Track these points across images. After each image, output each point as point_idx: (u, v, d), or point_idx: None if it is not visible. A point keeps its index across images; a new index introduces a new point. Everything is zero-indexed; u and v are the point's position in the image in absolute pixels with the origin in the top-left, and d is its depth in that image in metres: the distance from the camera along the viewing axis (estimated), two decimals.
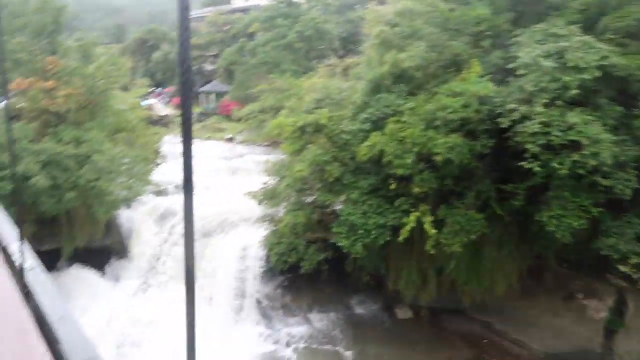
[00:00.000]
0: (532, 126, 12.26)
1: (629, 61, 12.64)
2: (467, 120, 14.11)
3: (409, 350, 16.34)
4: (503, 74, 14.96)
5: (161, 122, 37.96)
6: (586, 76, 12.10)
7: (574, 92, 12.19)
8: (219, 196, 22.16)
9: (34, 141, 19.46)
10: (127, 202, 20.26)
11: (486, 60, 15.47)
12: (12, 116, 21.29)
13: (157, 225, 20.30)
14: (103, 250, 20.03)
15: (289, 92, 24.02)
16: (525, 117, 12.65)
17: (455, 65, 16.07)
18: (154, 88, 47.60)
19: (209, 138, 36.78)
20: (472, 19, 16.12)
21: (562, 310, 15.49)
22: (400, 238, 14.43)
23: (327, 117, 16.93)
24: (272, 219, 18.28)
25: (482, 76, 14.49)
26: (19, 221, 4.12)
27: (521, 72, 13.49)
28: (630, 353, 14.41)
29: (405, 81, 16.46)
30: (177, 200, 21.69)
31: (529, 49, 13.37)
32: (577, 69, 12.33)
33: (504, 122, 13.08)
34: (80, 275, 18.69)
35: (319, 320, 17.97)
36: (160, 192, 22.44)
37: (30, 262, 3.33)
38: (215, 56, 55.40)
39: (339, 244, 15.65)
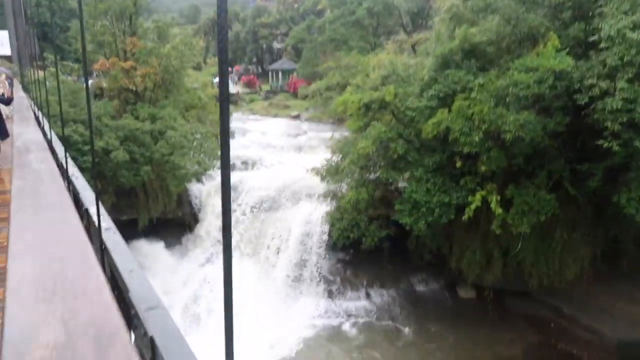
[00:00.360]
0: (614, 103, 11.50)
1: None
2: (541, 97, 13.46)
3: (470, 330, 16.16)
4: (583, 48, 14.05)
5: (230, 99, 39.23)
6: None
7: None
8: (284, 172, 22.73)
9: (114, 118, 20.90)
10: (198, 176, 21.31)
11: (565, 33, 14.53)
12: (92, 94, 22.90)
13: None
14: (175, 222, 21.28)
15: (355, 69, 23.89)
16: (606, 93, 11.88)
17: (531, 39, 15.25)
18: None
19: (276, 115, 37.53)
20: None
21: (638, 297, 14.62)
22: (465, 217, 14.18)
23: (393, 94, 16.74)
24: (335, 195, 18.53)
25: (559, 50, 13.67)
26: (96, 187, 4.60)
27: (604, 45, 12.60)
28: None
29: (476, 57, 15.86)
30: (244, 176, 22.55)
31: (614, 20, 12.41)
32: None
33: (582, 99, 12.36)
34: (153, 245, 20.02)
35: (379, 296, 18.15)
36: None
37: (106, 223, 3.73)
38: (284, 34, 56.03)
39: (402, 221, 15.63)
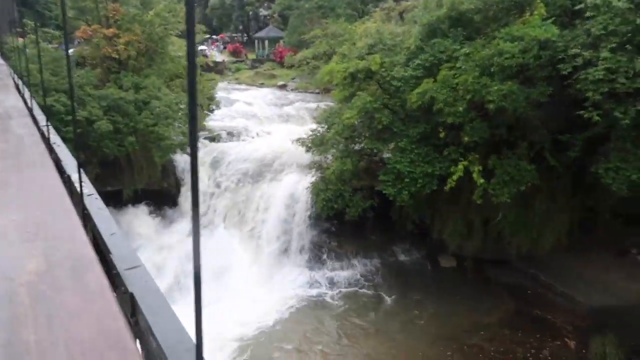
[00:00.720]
0: (596, 73, 11.53)
1: None
2: (525, 67, 13.45)
3: (451, 298, 16.53)
4: (569, 17, 13.97)
5: (216, 68, 38.61)
6: None
7: None
8: (270, 143, 22.64)
9: (97, 87, 20.49)
10: (183, 147, 21.12)
11: (552, 1, 14.43)
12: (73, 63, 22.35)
13: (210, 170, 21.13)
14: (160, 193, 21.19)
15: (342, 38, 23.56)
16: (589, 63, 11.89)
17: (518, 7, 15.11)
18: (209, 36, 48.02)
19: (262, 85, 37.10)
20: None
21: (613, 266, 15.01)
22: (447, 187, 14.32)
23: (379, 63, 16.60)
24: (320, 166, 18.56)
25: (545, 19, 13.59)
26: (77, 154, 4.66)
27: (589, 13, 12.55)
28: None
29: (463, 25, 15.73)
30: (229, 147, 22.42)
31: None
32: None
33: (566, 69, 12.38)
34: (139, 216, 19.98)
35: (363, 265, 18.43)
36: (213, 138, 23.18)
37: (88, 189, 3.84)
38: (271, 1, 54.80)
39: (385, 192, 15.75)
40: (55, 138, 5.80)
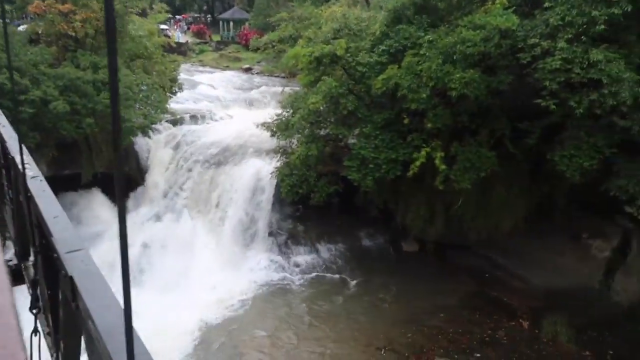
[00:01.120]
0: (553, 62, 11.85)
1: None
2: (487, 55, 13.68)
3: (413, 281, 16.93)
4: (529, 7, 14.26)
5: (179, 49, 37.61)
6: (615, 10, 11.46)
7: (601, 27, 11.62)
8: (234, 127, 22.35)
9: (53, 66, 19.63)
10: (144, 129, 20.60)
11: None
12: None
13: (173, 153, 20.72)
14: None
15: (308, 22, 23.35)
16: (546, 53, 12.21)
17: None
18: (171, 16, 46.64)
19: (227, 67, 36.45)
20: None
21: (566, 249, 15.72)
22: (410, 173, 14.52)
23: (344, 48, 16.52)
24: (285, 151, 18.46)
25: (507, 8, 13.84)
26: (19, 134, 4.47)
27: (548, 4, 12.86)
28: (627, 291, 14.73)
29: (428, 12, 15.82)
30: (193, 130, 22.01)
31: None
32: (607, 2, 11.68)
33: (525, 58, 12.67)
34: (98, 200, 19.44)
35: (327, 250, 18.61)
36: (176, 121, 22.69)
37: (32, 171, 3.70)
38: None
39: (350, 177, 15.83)
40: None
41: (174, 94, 23.84)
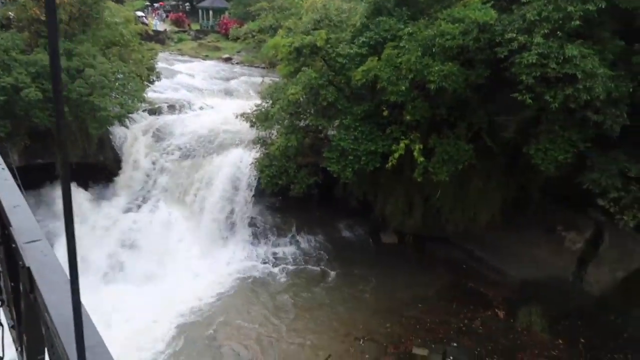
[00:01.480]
0: (530, 57, 11.99)
1: None
2: (465, 49, 13.77)
3: (391, 272, 17.08)
4: (508, 1, 14.36)
5: (157, 38, 36.90)
6: (590, 7, 11.64)
7: (576, 23, 11.78)
8: (213, 117, 22.08)
9: (25, 52, 19.05)
10: (120, 119, 20.16)
11: None
12: None
13: (150, 144, 20.38)
14: (97, 167, 20.24)
15: (288, 12, 23.14)
16: (523, 48, 12.34)
17: None
18: (149, 3, 45.68)
19: (206, 57, 35.91)
20: None
21: (541, 241, 16.04)
22: (389, 165, 14.59)
23: (325, 39, 16.44)
24: (265, 142, 18.34)
25: (485, 2, 13.92)
26: None
27: None
28: (599, 282, 15.14)
29: (408, 4, 15.81)
30: (171, 120, 21.67)
31: None
32: None
33: (502, 52, 12.77)
34: (74, 191, 19.02)
35: (307, 241, 18.63)
36: (154, 111, 22.30)
37: None
38: None
39: (329, 168, 15.83)
40: None
41: (152, 83, 23.37)
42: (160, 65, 25.14)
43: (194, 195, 18.91)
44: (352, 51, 15.74)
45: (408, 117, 14.54)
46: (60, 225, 17.94)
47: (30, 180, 18.40)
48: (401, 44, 14.53)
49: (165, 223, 18.38)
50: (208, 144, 19.81)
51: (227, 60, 35.16)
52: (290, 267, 17.80)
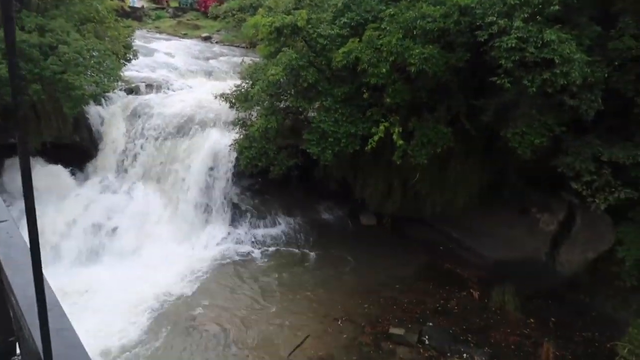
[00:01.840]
0: (509, 41, 12.05)
1: None
2: (446, 32, 13.77)
3: (370, 254, 17.29)
4: None
5: (134, 14, 35.95)
6: None
7: (555, 8, 11.88)
8: (192, 97, 21.73)
9: None
10: (96, 98, 19.71)
11: None
12: None
13: (127, 124, 20.01)
14: (72, 147, 19.82)
15: None
16: (503, 32, 12.39)
17: None
18: None
19: (185, 35, 35.16)
20: None
21: (515, 223, 16.40)
22: (368, 147, 14.63)
23: (305, 19, 16.22)
24: (244, 123, 18.17)
25: None
26: None
27: None
28: (570, 262, 15.59)
29: None
30: (149, 100, 21.26)
31: None
32: None
33: (482, 36, 12.81)
34: (48, 171, 18.61)
35: (287, 223, 18.66)
36: (131, 90, 21.84)
37: None
38: None
39: (309, 150, 15.78)
40: None
41: (128, 61, 22.83)
42: (137, 43, 24.56)
43: (173, 177, 18.72)
44: (333, 32, 15.59)
45: (388, 100, 14.55)
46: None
47: (2, 160, 17.97)
48: (382, 26, 14.46)
49: (142, 205, 18.19)
50: (187, 124, 19.54)
51: (207, 39, 34.50)
52: (270, 249, 17.86)
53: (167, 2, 44.62)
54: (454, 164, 15.58)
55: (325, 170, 17.73)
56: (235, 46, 32.50)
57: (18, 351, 2.13)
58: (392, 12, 14.48)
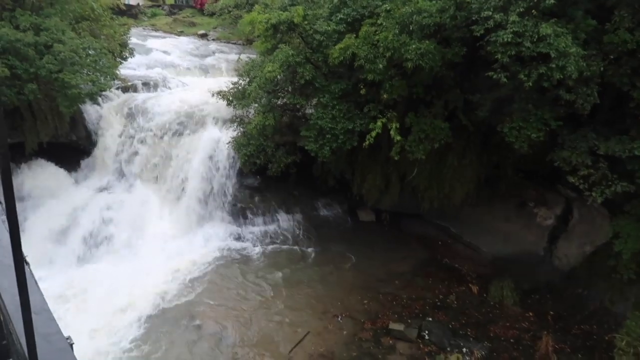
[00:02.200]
0: (505, 35, 12.03)
1: None
2: (442, 27, 13.75)
3: (368, 250, 17.34)
4: None
5: (129, 12, 35.83)
6: None
7: (551, 2, 11.86)
8: (189, 94, 21.69)
9: None
10: (93, 96, 19.64)
11: None
12: None
13: (124, 123, 19.97)
14: (69, 147, 19.79)
15: None
16: (499, 26, 12.37)
17: None
18: None
19: (181, 33, 35.04)
20: None
21: (513, 217, 16.46)
22: (366, 143, 14.64)
23: (302, 16, 16.21)
24: (242, 120, 18.17)
25: None
26: None
27: None
28: (568, 256, 15.66)
29: None
30: (146, 98, 21.22)
31: None
32: None
33: (478, 30, 12.78)
34: (45, 171, 18.59)
35: (286, 220, 18.68)
36: (127, 88, 21.79)
37: None
38: None
39: (307, 147, 15.81)
40: None
41: (125, 59, 22.77)
42: (133, 41, 24.48)
43: (171, 174, 18.72)
44: (329, 28, 15.57)
45: (385, 96, 14.55)
46: (27, 205, 17.52)
47: None
48: (379, 21, 14.44)
49: (141, 202, 18.19)
50: (185, 122, 19.52)
51: (203, 36, 34.39)
52: (269, 246, 17.88)
53: None
54: (451, 159, 15.61)
55: (323, 167, 17.75)
56: (232, 43, 32.42)
57: None
58: (388, 8, 14.46)
